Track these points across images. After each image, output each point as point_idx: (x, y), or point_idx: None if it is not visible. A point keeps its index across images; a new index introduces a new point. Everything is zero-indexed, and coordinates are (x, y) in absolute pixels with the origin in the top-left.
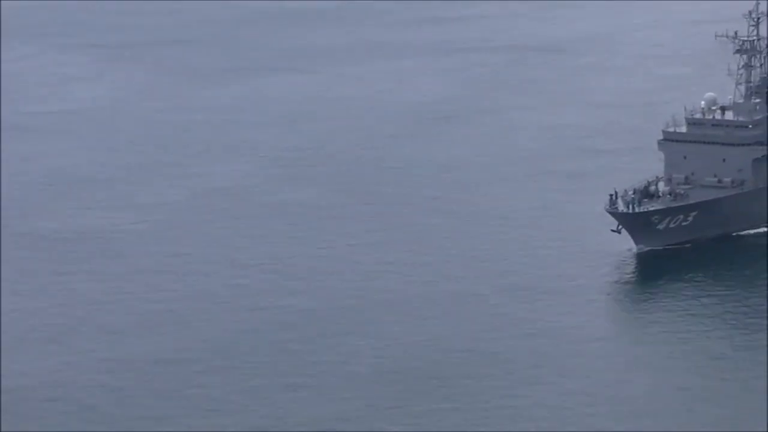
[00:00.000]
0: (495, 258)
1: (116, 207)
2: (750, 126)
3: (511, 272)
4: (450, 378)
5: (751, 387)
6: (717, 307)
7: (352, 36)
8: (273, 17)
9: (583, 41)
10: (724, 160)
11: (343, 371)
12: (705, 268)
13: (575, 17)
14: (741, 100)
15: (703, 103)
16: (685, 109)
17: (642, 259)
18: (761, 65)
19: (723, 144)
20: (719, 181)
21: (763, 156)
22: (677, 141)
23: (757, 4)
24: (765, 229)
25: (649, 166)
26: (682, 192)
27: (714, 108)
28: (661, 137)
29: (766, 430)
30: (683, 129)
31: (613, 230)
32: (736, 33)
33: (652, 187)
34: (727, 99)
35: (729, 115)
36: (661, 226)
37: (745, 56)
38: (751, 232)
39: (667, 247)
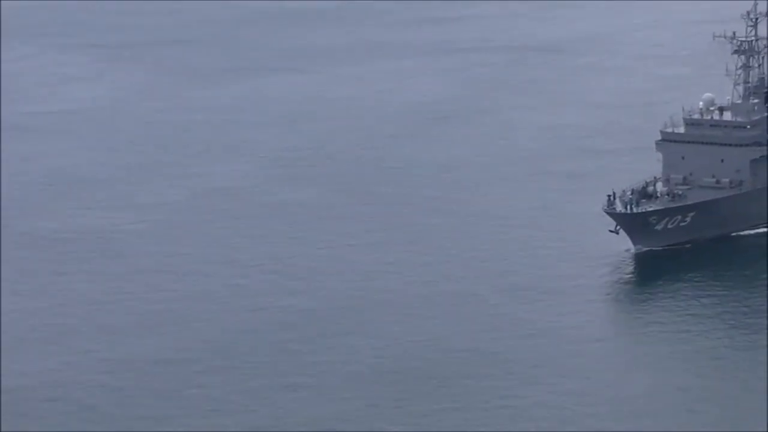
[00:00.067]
0: (495, 258)
1: (116, 207)
2: (748, 126)
3: (510, 272)
4: (450, 378)
5: (751, 387)
6: (716, 307)
7: (352, 36)
8: (273, 17)
9: (583, 41)
10: (722, 160)
11: (343, 371)
12: (704, 269)
13: (575, 17)
14: (739, 101)
15: (701, 103)
16: (683, 109)
17: (641, 259)
18: (759, 66)
19: (721, 144)
20: (717, 182)
21: (761, 156)
22: (675, 141)
23: (755, 5)
24: (763, 230)
25: (648, 167)
26: (680, 192)
27: (712, 108)
28: (659, 138)
29: (766, 430)
30: (681, 129)
31: (611, 231)
32: (734, 34)
33: (650, 188)
34: (725, 99)
35: (727, 116)
36: (659, 227)
37: (743, 57)
38: (750, 232)
39: (665, 247)
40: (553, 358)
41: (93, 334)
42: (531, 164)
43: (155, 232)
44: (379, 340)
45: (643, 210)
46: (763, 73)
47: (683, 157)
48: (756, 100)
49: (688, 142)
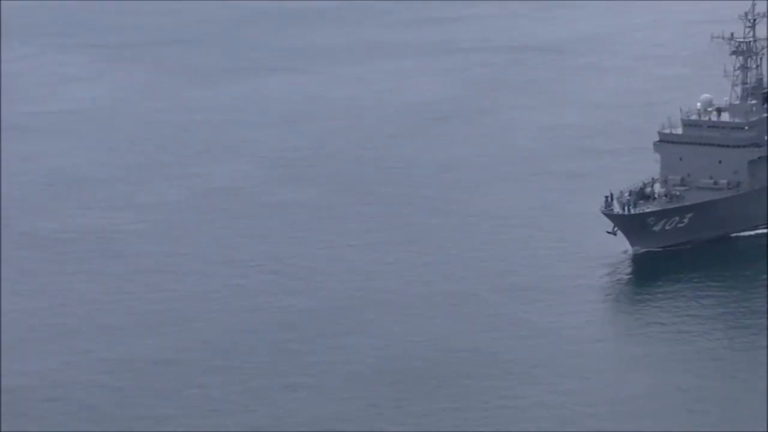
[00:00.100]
0: (495, 258)
1: (116, 207)
2: (746, 127)
3: (510, 272)
4: (450, 378)
5: (751, 387)
6: (716, 307)
7: (352, 36)
8: (273, 17)
9: (583, 41)
10: (720, 161)
11: (343, 371)
12: (703, 269)
13: (575, 17)
14: (737, 102)
15: (699, 104)
16: (681, 110)
17: (640, 260)
18: (757, 67)
19: (719, 145)
20: (715, 183)
21: (759, 157)
22: (673, 143)
23: (754, 6)
24: (761, 231)
25: (648, 167)
26: (678, 194)
27: (710, 109)
28: (657, 138)
29: (766, 430)
30: (679, 130)
31: (608, 232)
32: (732, 35)
33: (648, 189)
34: (723, 100)
35: (725, 117)
36: (656, 228)
37: (741, 58)
38: (748, 233)
39: (662, 248)
40: (553, 358)
41: (93, 334)
42: (531, 164)
43: (155, 232)
44: (379, 340)
45: (641, 211)
46: (761, 74)
47: (681, 158)
48: (754, 101)
49: (686, 143)
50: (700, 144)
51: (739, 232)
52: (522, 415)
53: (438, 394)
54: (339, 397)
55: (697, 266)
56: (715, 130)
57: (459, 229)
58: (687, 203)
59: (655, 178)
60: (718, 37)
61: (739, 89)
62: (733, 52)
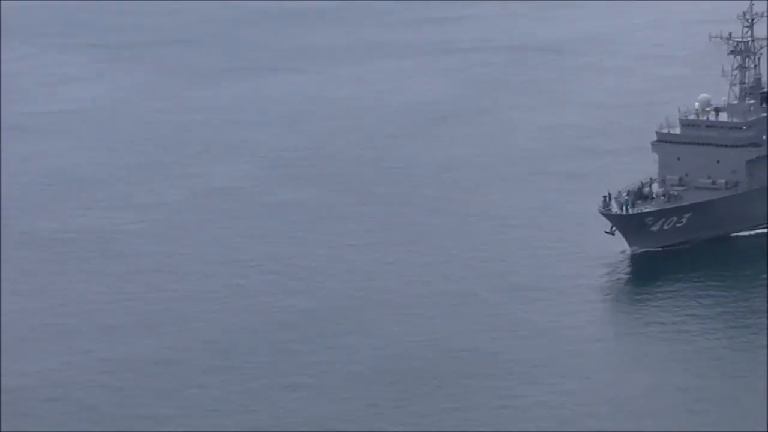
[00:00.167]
0: (495, 258)
1: (116, 207)
2: (744, 127)
3: (510, 272)
4: (450, 378)
5: (751, 387)
6: (716, 307)
7: (352, 36)
8: (273, 17)
9: (583, 41)
10: (718, 161)
11: (343, 371)
12: (702, 269)
13: (575, 17)
14: (735, 102)
15: (697, 104)
16: (679, 110)
17: (639, 260)
18: (755, 66)
19: (717, 145)
20: (713, 183)
21: (757, 157)
22: (671, 142)
23: (752, 5)
24: (760, 231)
25: (648, 167)
26: (676, 193)
27: (708, 109)
28: (655, 138)
29: (766, 430)
30: (677, 130)
31: (606, 232)
32: (730, 34)
33: (646, 189)
34: (721, 100)
35: (723, 117)
36: (654, 228)
37: (739, 57)
38: (747, 233)
39: (661, 248)
40: (553, 358)
41: (93, 334)
42: (531, 164)
43: (155, 232)
44: (379, 340)
45: (639, 211)
46: (759, 74)
47: (679, 158)
48: (752, 101)
49: (684, 143)
50: (699, 144)
51: (738, 232)
52: (522, 415)
53: (438, 394)
54: (339, 397)
55: (696, 266)
56: (713, 129)
57: (459, 229)
58: (685, 203)
59: (653, 178)
60: (716, 37)
61: (737, 89)
62: (731, 52)
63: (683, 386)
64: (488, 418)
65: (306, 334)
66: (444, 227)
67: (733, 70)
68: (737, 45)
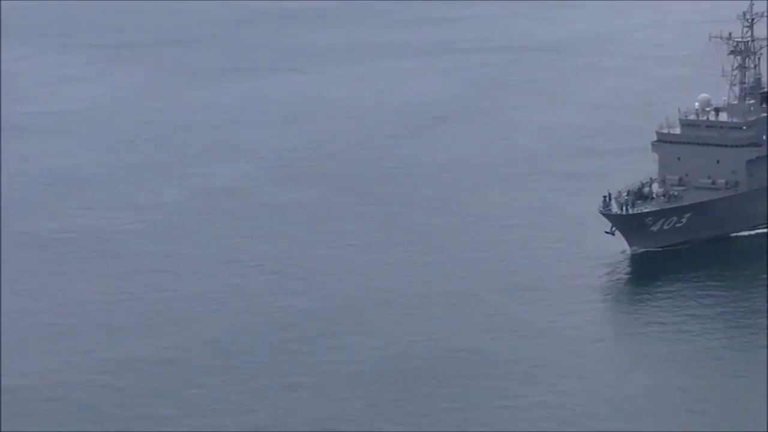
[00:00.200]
0: (495, 258)
1: (116, 207)
2: (744, 127)
3: (510, 272)
4: (450, 378)
5: (751, 387)
6: (716, 307)
7: (352, 36)
8: (273, 17)
9: (583, 41)
10: (718, 161)
11: (343, 371)
12: (702, 269)
13: (575, 17)
14: (735, 102)
15: (697, 104)
16: (679, 110)
17: (639, 260)
18: (755, 66)
19: (717, 145)
20: (713, 183)
21: (757, 157)
22: (671, 142)
23: (752, 5)
24: (760, 231)
25: (648, 167)
26: (676, 193)
27: (708, 109)
28: (655, 138)
29: (766, 430)
30: (677, 130)
31: (606, 232)
32: (730, 34)
33: (646, 189)
34: (721, 100)
35: (723, 117)
36: (654, 228)
37: (739, 57)
38: (747, 233)
39: (661, 248)
40: (553, 358)
41: (93, 334)
42: (531, 164)
43: (155, 232)
44: (379, 340)
45: (639, 211)
46: (759, 74)
47: (679, 158)
48: (752, 101)
49: (684, 143)
50: (698, 144)
51: (738, 232)
52: (522, 415)
53: (438, 394)
54: (339, 397)
55: (696, 266)
56: (713, 129)
57: (459, 229)
58: (685, 203)
59: (653, 177)
60: (716, 37)
61: (737, 89)
62: (731, 52)
63: (683, 386)
64: (488, 418)
65: (306, 334)
66: (444, 227)
67: (733, 70)
68: (737, 45)
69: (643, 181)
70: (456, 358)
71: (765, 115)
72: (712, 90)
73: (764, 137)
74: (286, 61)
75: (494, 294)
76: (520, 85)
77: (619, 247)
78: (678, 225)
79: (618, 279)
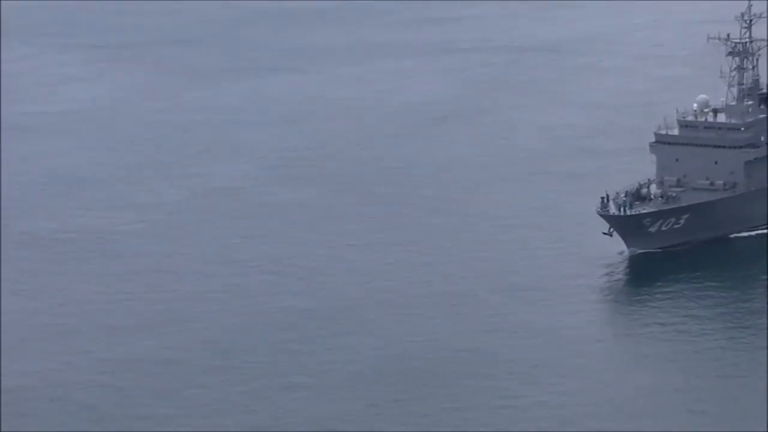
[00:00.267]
0: (495, 258)
1: (116, 207)
2: (742, 128)
3: (510, 272)
4: (450, 378)
5: (751, 387)
6: (715, 307)
7: (352, 36)
8: (273, 17)
9: (583, 41)
10: (716, 162)
11: (343, 371)
12: (702, 270)
13: (575, 17)
14: (733, 103)
15: (695, 105)
16: (677, 111)
17: (638, 261)
18: (754, 67)
19: (715, 146)
20: (711, 184)
21: (755, 158)
22: (669, 143)
23: (750, 6)
24: (759, 232)
25: (648, 168)
26: (674, 195)
27: (706, 110)
28: (653, 140)
29: (766, 430)
30: (675, 131)
31: (604, 233)
32: (728, 35)
33: (644, 190)
34: (719, 101)
35: (721, 118)
36: (652, 229)
37: (737, 58)
38: (745, 234)
39: (659, 249)
40: (553, 358)
41: (93, 334)
42: (531, 164)
43: (155, 232)
44: (379, 340)
45: (637, 212)
46: (758, 75)
47: (677, 159)
48: (750, 102)
49: (682, 144)
50: (697, 145)
51: (736, 233)
52: (522, 415)
53: (438, 394)
54: (339, 397)
55: (695, 267)
56: (711, 131)
57: (459, 229)
58: (683, 204)
59: (651, 179)
60: (714, 38)
61: (735, 90)
62: (730, 53)
63: (683, 386)
64: (488, 418)
65: (306, 334)
66: (444, 227)
67: (731, 71)
68: (735, 46)
69: (641, 182)
70: (456, 358)
71: (763, 116)
72: (710, 91)
73: (762, 138)
74: (286, 61)
75: (494, 294)
76: (520, 85)
77: (617, 248)
78: (676, 226)
79: (618, 279)
